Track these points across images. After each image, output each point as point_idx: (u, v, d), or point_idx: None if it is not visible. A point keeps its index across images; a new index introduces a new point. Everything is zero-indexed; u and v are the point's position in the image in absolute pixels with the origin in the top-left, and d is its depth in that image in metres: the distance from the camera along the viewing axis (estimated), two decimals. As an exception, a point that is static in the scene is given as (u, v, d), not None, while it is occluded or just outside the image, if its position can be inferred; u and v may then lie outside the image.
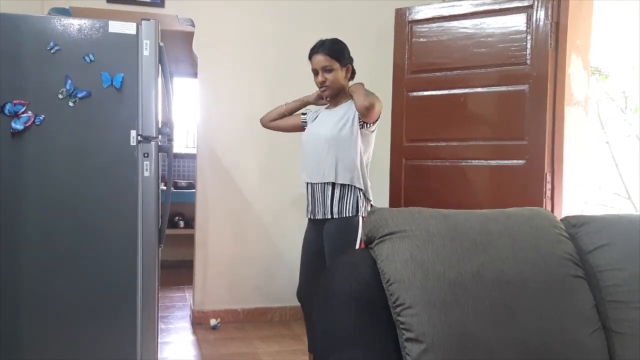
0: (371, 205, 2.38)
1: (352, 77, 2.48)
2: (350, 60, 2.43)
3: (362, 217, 2.31)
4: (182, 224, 5.11)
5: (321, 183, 2.36)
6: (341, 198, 2.32)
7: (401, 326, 1.26)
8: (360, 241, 2.31)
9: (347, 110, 2.37)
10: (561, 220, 1.55)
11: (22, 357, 2.29)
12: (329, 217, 2.33)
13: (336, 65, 2.36)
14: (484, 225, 1.39)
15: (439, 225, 1.36)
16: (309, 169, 2.43)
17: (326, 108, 2.51)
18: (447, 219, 1.39)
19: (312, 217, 2.44)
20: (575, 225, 1.53)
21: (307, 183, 2.44)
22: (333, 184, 2.33)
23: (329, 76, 2.36)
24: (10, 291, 2.28)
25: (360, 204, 2.33)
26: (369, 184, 2.39)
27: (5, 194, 2.25)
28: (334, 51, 2.36)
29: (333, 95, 2.42)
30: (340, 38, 2.44)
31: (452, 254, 1.31)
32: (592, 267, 1.45)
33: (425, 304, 1.24)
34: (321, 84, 2.39)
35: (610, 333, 1.39)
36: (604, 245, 1.46)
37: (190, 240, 3.68)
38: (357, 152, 2.34)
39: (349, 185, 2.32)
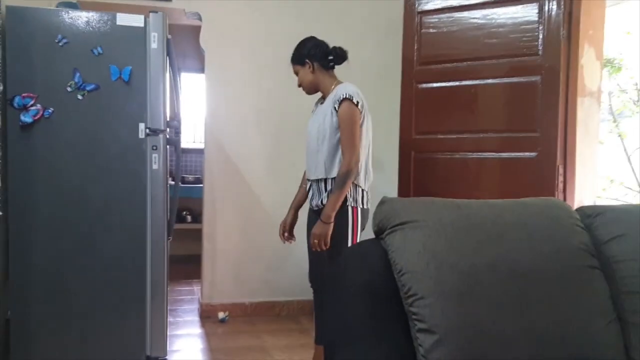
0: (365, 193, 2.37)
1: (329, 67, 2.43)
2: (309, 56, 2.41)
3: (352, 207, 2.31)
4: (189, 218, 5.11)
5: (316, 179, 2.39)
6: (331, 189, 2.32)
7: (413, 317, 1.24)
8: (354, 232, 2.31)
9: (329, 105, 2.36)
10: (576, 210, 1.53)
11: (32, 347, 2.30)
12: (322, 206, 2.35)
13: (297, 67, 2.46)
14: (498, 215, 1.37)
15: (452, 216, 1.34)
16: (307, 166, 2.49)
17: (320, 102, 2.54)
18: (461, 209, 1.37)
19: (313, 208, 2.48)
20: (590, 215, 1.50)
21: (308, 179, 2.48)
22: (325, 179, 2.35)
23: (298, 79, 2.47)
24: (21, 283, 2.28)
25: (348, 194, 2.30)
26: (362, 173, 2.35)
27: (14, 187, 2.25)
28: (293, 57, 2.47)
29: (312, 92, 2.48)
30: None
31: (465, 245, 1.29)
32: (608, 257, 1.42)
33: (438, 295, 1.22)
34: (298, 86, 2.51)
35: (626, 324, 1.36)
36: (620, 236, 1.43)
37: (197, 235, 3.68)
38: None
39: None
